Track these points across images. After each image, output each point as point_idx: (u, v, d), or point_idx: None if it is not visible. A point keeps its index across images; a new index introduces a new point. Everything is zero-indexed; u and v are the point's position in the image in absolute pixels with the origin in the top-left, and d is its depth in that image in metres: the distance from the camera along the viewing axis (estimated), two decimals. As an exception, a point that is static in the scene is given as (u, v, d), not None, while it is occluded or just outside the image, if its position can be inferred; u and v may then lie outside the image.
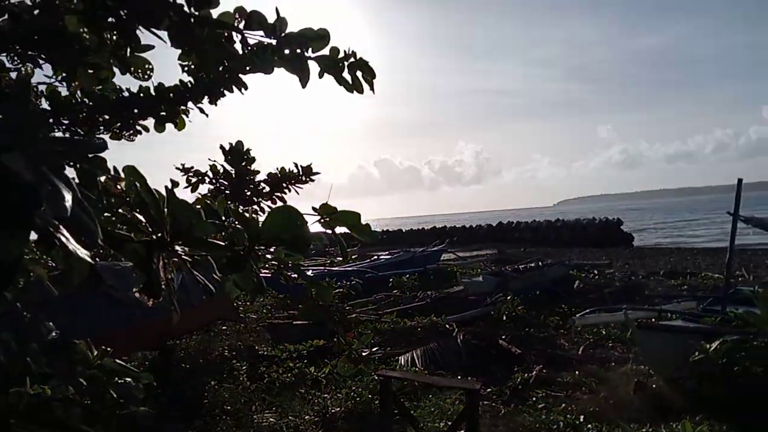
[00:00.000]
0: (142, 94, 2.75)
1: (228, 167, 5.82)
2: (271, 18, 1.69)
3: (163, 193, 1.29)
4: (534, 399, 6.55)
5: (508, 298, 11.08)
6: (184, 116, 2.88)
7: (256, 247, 1.34)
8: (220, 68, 2.33)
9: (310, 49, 1.96)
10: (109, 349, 1.61)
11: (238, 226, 1.42)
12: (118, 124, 2.77)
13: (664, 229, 60.10)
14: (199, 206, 1.39)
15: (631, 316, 7.71)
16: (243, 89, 2.78)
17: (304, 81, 2.04)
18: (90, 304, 4.97)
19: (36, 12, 1.67)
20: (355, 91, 2.32)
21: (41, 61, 1.91)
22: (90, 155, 1.06)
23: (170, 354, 6.74)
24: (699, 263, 22.59)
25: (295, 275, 1.84)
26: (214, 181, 5.79)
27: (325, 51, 2.00)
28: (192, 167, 5.78)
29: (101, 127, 2.76)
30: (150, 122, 2.79)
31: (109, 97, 2.62)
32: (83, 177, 1.13)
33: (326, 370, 7.22)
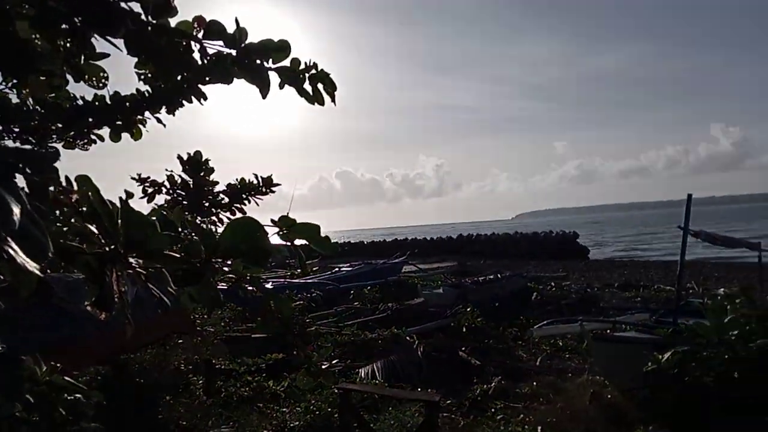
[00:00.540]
0: (97, 103, 2.69)
1: (186, 177, 5.73)
2: (230, 28, 1.69)
3: (117, 203, 1.26)
4: (493, 410, 6.60)
5: (468, 309, 11.16)
6: (140, 126, 2.83)
7: (213, 259, 1.32)
8: (179, 78, 2.30)
9: (270, 60, 1.95)
10: (58, 364, 1.56)
11: (194, 237, 1.40)
12: (72, 133, 2.71)
13: (618, 242, 61.73)
14: (154, 217, 1.37)
15: (586, 328, 7.88)
16: (202, 100, 2.76)
17: (264, 92, 2.03)
18: (39, 317, 4.79)
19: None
20: (316, 103, 2.32)
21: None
22: (41, 165, 1.03)
23: (123, 369, 6.55)
24: (651, 276, 23.27)
25: (253, 288, 1.83)
26: (171, 191, 5.69)
27: (286, 62, 2.00)
28: (148, 177, 5.68)
29: (54, 136, 2.69)
30: (105, 131, 2.73)
31: (63, 105, 2.56)
32: (34, 188, 1.10)
33: (285, 384, 7.13)
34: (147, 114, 2.85)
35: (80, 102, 2.66)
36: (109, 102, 2.71)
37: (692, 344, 5.93)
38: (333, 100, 2.37)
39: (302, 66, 2.12)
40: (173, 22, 1.61)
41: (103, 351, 5.56)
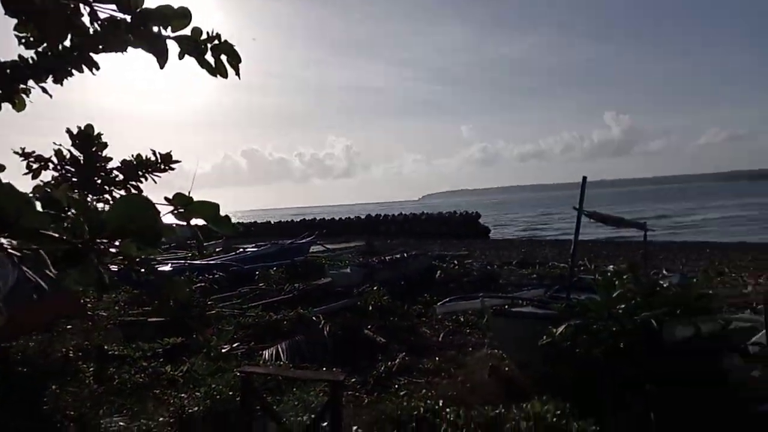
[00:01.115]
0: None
1: (76, 153, 5.33)
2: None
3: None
4: (396, 386, 6.74)
5: (375, 289, 11.29)
6: (24, 95, 2.60)
7: (99, 239, 1.22)
8: (67, 44, 2.11)
9: (169, 28, 1.83)
10: None
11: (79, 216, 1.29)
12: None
13: (518, 222, 64.79)
14: (32, 194, 1.24)
15: (487, 304, 8.20)
16: (94, 69, 2.55)
17: (162, 62, 1.91)
18: None
19: None
20: (219, 76, 2.21)
21: None
22: None
23: (4, 358, 6.06)
24: (547, 254, 24.62)
25: (145, 270, 1.72)
26: (59, 167, 5.28)
27: (186, 31, 1.89)
28: (33, 152, 5.22)
29: None
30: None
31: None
32: None
33: (184, 369, 6.88)
34: (31, 83, 2.62)
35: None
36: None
37: (584, 318, 6.32)
38: (237, 74, 2.26)
39: (204, 36, 2.00)
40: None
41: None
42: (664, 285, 6.84)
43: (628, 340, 5.86)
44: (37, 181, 5.02)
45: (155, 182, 5.01)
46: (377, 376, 7.05)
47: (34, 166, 5.16)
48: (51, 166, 5.21)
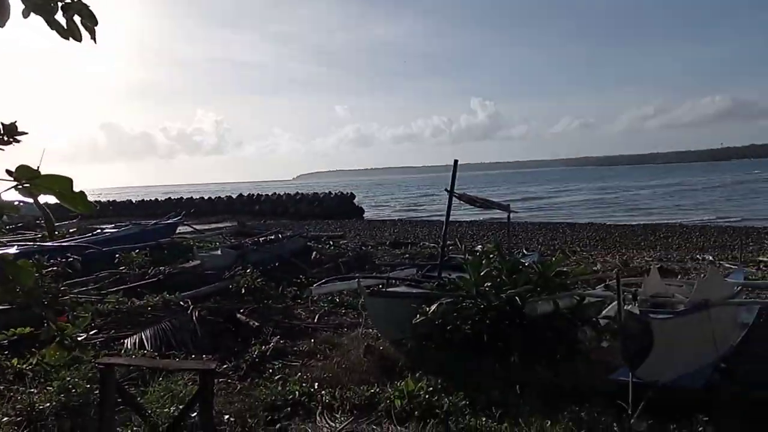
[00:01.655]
0: None
1: None
2: None
3: None
4: (271, 371, 6.60)
5: (248, 271, 10.98)
6: None
7: None
8: None
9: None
10: None
11: None
12: None
13: (389, 203, 66.40)
14: None
15: (362, 284, 8.28)
16: None
17: (2, 19, 1.65)
18: None
19: None
20: (71, 39, 1.96)
21: None
22: None
23: None
24: (418, 234, 25.47)
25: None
26: None
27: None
28: None
29: None
30: None
31: None
32: None
33: (33, 361, 6.24)
34: None
35: None
36: None
37: (455, 296, 6.58)
38: (93, 37, 2.02)
39: (53, -9, 1.76)
40: None
41: None
42: (525, 263, 7.32)
43: (493, 315, 6.20)
44: None
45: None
46: (250, 361, 6.85)
47: None
48: None
